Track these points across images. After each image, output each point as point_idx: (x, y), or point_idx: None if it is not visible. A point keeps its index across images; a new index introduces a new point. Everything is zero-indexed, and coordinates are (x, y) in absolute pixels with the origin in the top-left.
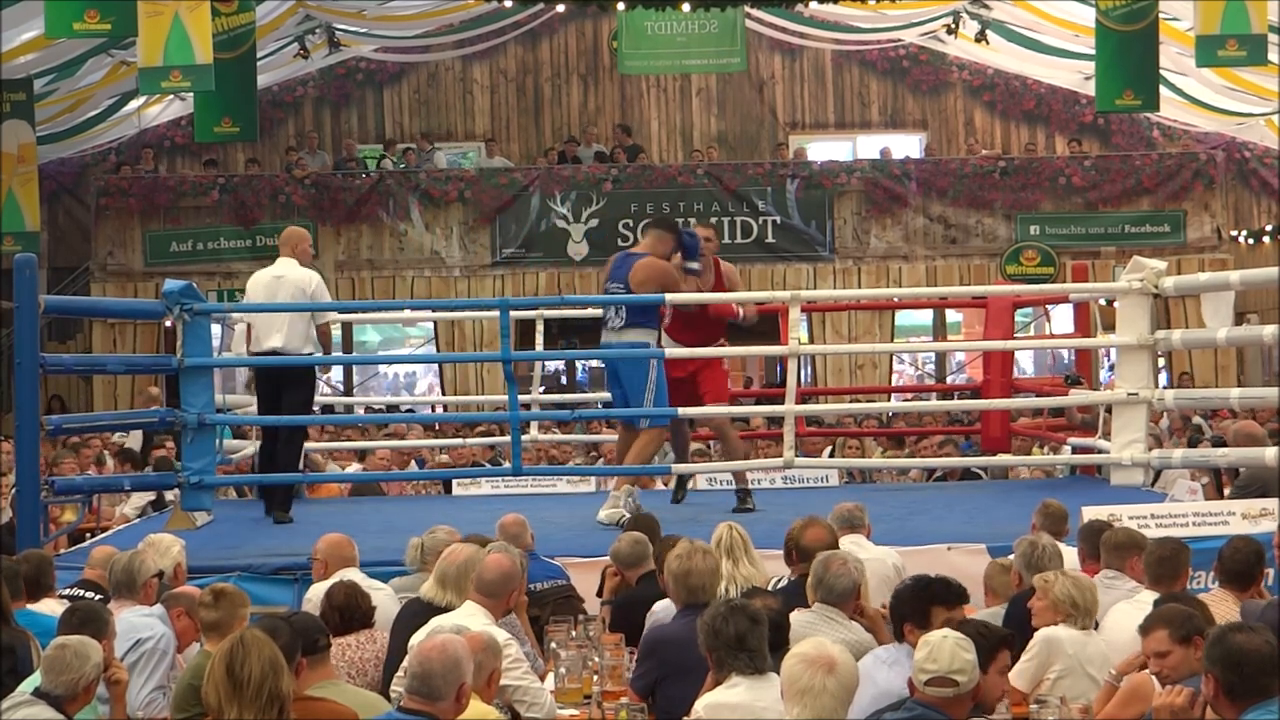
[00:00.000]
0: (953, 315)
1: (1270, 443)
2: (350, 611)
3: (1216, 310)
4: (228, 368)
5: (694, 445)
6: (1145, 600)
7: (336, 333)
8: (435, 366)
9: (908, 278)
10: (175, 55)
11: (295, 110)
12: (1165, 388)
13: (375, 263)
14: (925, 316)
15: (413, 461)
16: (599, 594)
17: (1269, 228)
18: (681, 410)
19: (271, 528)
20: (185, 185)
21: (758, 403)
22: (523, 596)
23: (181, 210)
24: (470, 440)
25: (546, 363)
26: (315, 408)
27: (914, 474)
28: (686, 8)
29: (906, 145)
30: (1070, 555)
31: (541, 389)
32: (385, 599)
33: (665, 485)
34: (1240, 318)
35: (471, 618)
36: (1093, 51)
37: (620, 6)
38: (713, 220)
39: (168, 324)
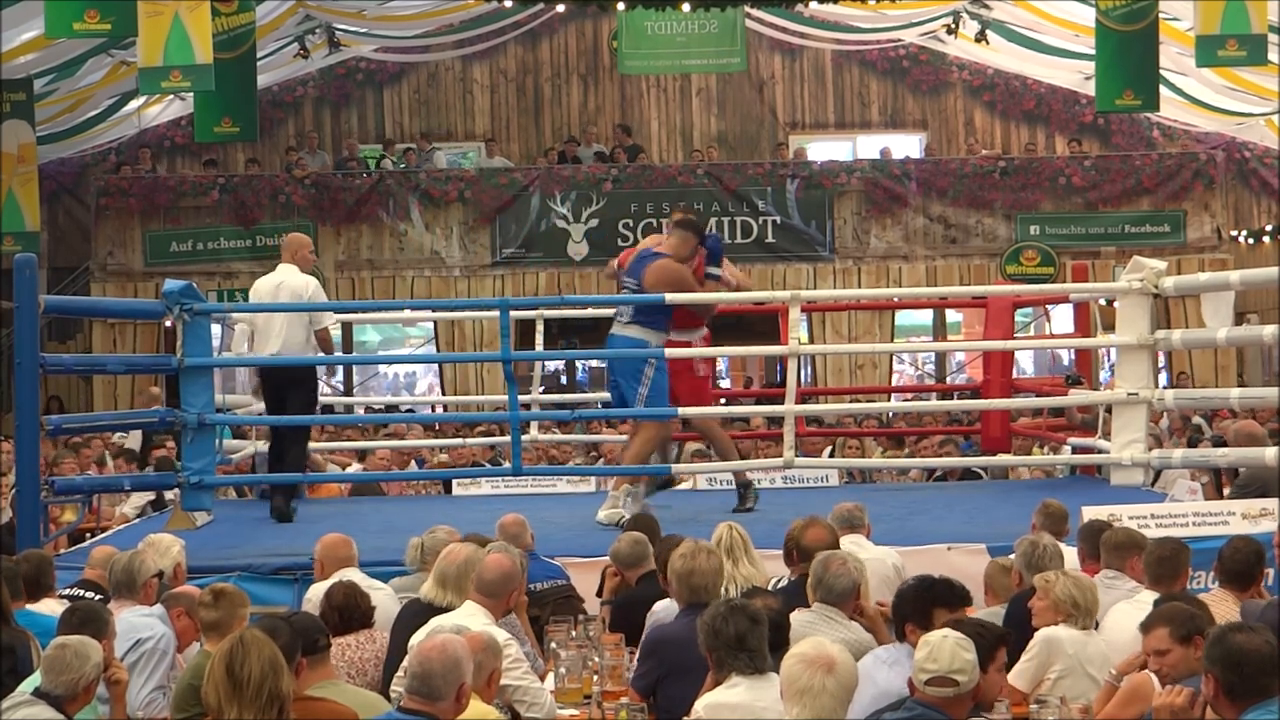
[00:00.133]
0: (953, 315)
1: (1270, 443)
2: (350, 611)
3: (1216, 310)
4: (228, 368)
5: (694, 445)
6: (1145, 600)
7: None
8: (435, 366)
9: (908, 278)
10: (175, 55)
11: (295, 110)
12: (1165, 388)
13: (375, 263)
14: (925, 316)
15: (413, 461)
16: (599, 594)
17: (1269, 228)
18: (681, 410)
19: (272, 527)
20: (185, 185)
21: (758, 403)
22: (523, 596)
23: (181, 210)
24: (470, 440)
25: (546, 363)
26: (316, 409)
27: (914, 474)
28: (686, 8)
29: (906, 145)
30: (1070, 555)
31: (541, 389)
32: (385, 599)
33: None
34: (1240, 318)
35: (471, 618)
36: (1093, 51)
37: (620, 6)
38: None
39: (168, 324)
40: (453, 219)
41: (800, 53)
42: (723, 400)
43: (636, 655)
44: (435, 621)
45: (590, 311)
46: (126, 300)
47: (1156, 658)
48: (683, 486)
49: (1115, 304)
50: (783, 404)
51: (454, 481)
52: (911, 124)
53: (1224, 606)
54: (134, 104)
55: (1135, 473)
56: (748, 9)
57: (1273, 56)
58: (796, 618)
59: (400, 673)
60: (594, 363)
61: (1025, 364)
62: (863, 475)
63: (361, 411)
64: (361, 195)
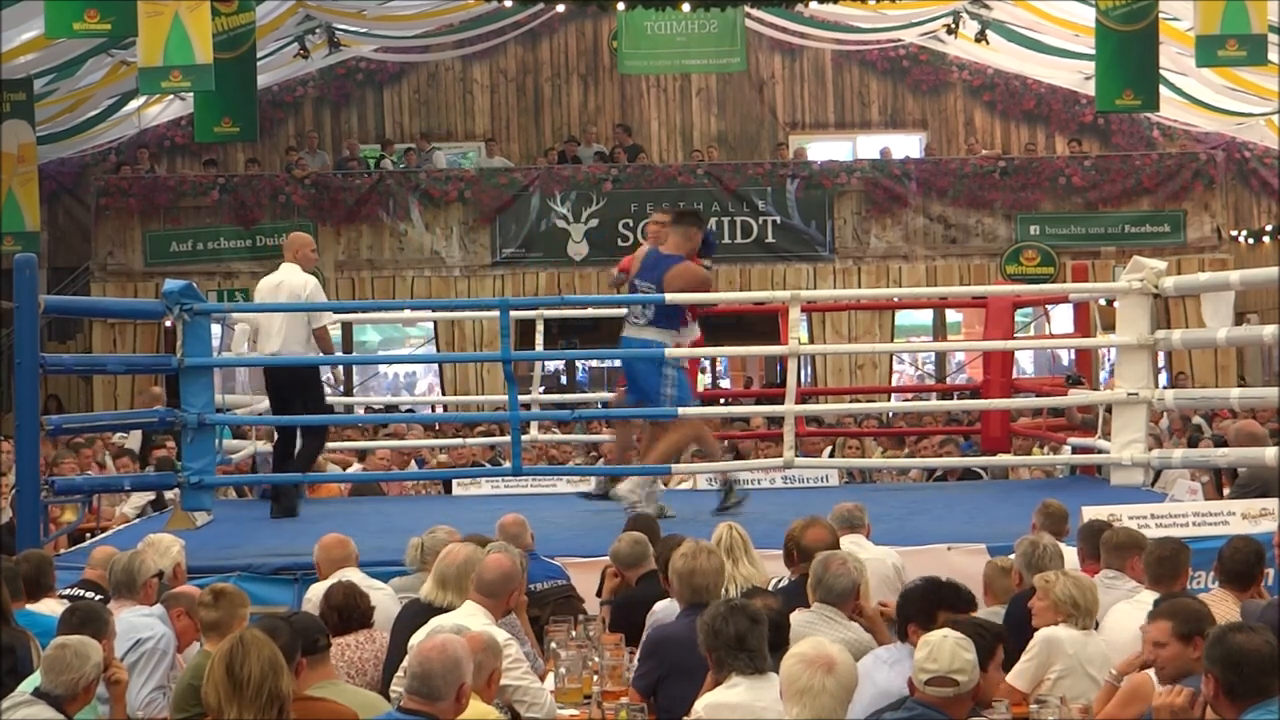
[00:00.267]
0: (953, 315)
1: (1271, 442)
2: (349, 611)
3: (1216, 310)
4: (228, 368)
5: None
6: (1145, 600)
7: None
8: (435, 366)
9: (908, 278)
10: (175, 55)
11: (295, 110)
12: (1165, 388)
13: (375, 263)
14: (925, 316)
15: (413, 461)
16: (599, 594)
17: (1269, 228)
18: (681, 410)
19: (272, 527)
20: (185, 185)
21: (758, 403)
22: (523, 596)
23: (181, 210)
24: (470, 440)
25: (546, 363)
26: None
27: (914, 474)
28: (686, 8)
29: (906, 145)
30: (1070, 555)
31: (541, 389)
32: (385, 599)
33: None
34: (1240, 318)
35: (471, 618)
36: (1093, 51)
37: (620, 6)
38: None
39: (168, 324)
40: (453, 219)
41: (800, 53)
42: (723, 400)
43: (637, 655)
44: (435, 621)
45: (590, 311)
46: (126, 300)
47: (1154, 648)
48: (683, 486)
49: (1115, 304)
50: (783, 404)
51: (454, 481)
52: (911, 124)
53: (1224, 606)
54: (134, 104)
55: (1135, 473)
56: (748, 9)
57: (1273, 56)
58: (796, 618)
59: (400, 673)
60: (594, 363)
61: (1025, 364)
62: (863, 475)
63: (361, 411)
64: (361, 195)
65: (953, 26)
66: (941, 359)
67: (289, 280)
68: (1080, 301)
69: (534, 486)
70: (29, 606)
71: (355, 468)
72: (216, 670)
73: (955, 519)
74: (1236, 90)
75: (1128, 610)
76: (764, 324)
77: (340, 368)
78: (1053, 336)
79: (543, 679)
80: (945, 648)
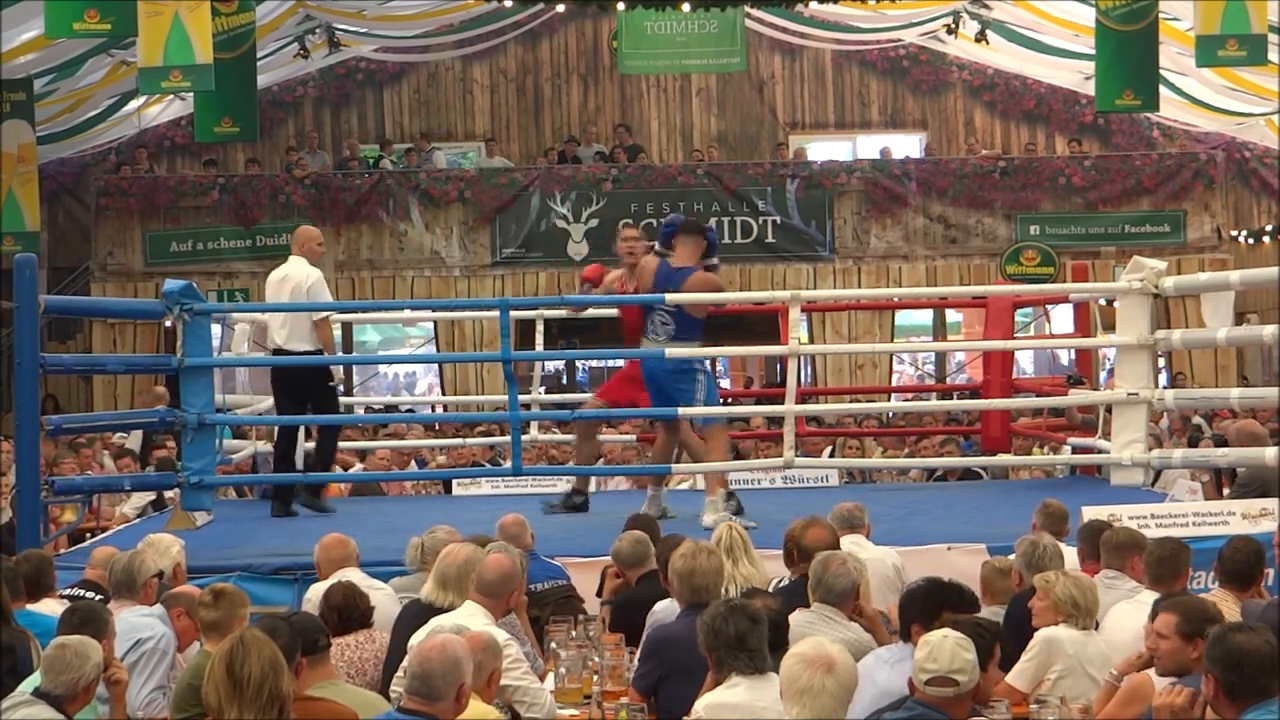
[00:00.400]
0: (953, 315)
1: (1271, 442)
2: (348, 611)
3: (1216, 310)
4: (228, 368)
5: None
6: (1145, 600)
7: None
8: (435, 366)
9: (908, 278)
10: (175, 55)
11: (295, 110)
12: (1165, 388)
13: (375, 263)
14: (925, 316)
15: (413, 461)
16: (599, 594)
17: (1269, 228)
18: (681, 410)
19: (272, 527)
20: (185, 185)
21: (758, 403)
22: (523, 596)
23: (181, 210)
24: (470, 440)
25: (546, 363)
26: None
27: (914, 474)
28: (686, 8)
29: (906, 145)
30: (1070, 555)
31: (542, 389)
32: (385, 599)
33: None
34: (1240, 318)
35: (471, 618)
36: (1093, 51)
37: (620, 6)
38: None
39: (168, 324)
40: (453, 219)
41: (800, 53)
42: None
43: (637, 655)
44: (435, 621)
45: (590, 311)
46: (126, 300)
47: (1156, 638)
48: (682, 486)
49: (1115, 304)
50: (783, 404)
51: (454, 481)
52: (911, 124)
53: (1224, 606)
54: (134, 104)
55: (1135, 473)
56: (748, 9)
57: (1273, 56)
58: (796, 618)
59: (400, 673)
60: (594, 363)
61: (1025, 364)
62: (863, 475)
63: (361, 411)
64: (361, 195)
65: (953, 26)
66: (941, 359)
67: (294, 273)
68: (1080, 301)
69: (534, 486)
70: (29, 606)
71: (356, 468)
72: (217, 670)
73: (955, 519)
74: (1236, 90)
75: (1128, 610)
76: (764, 324)
77: (341, 368)
78: (1053, 336)
79: (543, 679)
80: (945, 648)
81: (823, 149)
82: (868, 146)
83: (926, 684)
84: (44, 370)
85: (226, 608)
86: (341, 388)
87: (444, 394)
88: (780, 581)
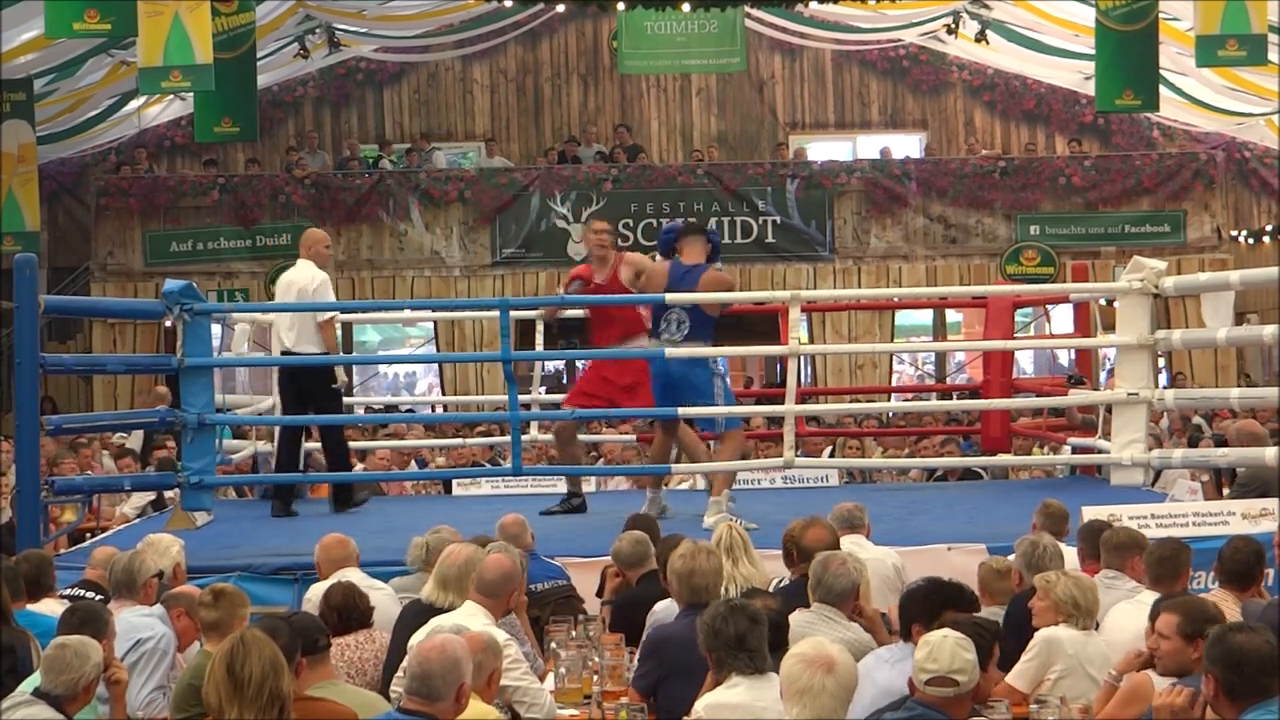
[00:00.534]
0: (953, 315)
1: (1271, 442)
2: (348, 611)
3: (1216, 310)
4: (228, 368)
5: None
6: (1145, 600)
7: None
8: (435, 366)
9: (908, 278)
10: (175, 55)
11: (295, 110)
12: (1165, 388)
13: (375, 263)
14: (925, 316)
15: (413, 461)
16: (599, 594)
17: (1269, 228)
18: (682, 410)
19: (272, 527)
20: (185, 185)
21: (758, 403)
22: (523, 596)
23: (181, 210)
24: (470, 440)
25: (546, 363)
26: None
27: (914, 474)
28: (686, 8)
29: (906, 145)
30: (1070, 555)
31: (542, 389)
32: (385, 599)
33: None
34: (1240, 318)
35: (471, 618)
36: (1093, 51)
37: (620, 6)
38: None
39: (168, 324)
40: (453, 219)
41: (800, 53)
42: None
43: (637, 655)
44: (435, 621)
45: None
46: (126, 300)
47: (1157, 638)
48: (682, 486)
49: (1115, 304)
50: (783, 404)
51: (454, 481)
52: (911, 124)
53: (1224, 606)
54: (134, 104)
55: (1135, 473)
56: (748, 9)
57: (1273, 56)
58: (796, 618)
59: (400, 673)
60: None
61: (1025, 364)
62: (863, 475)
63: (361, 411)
64: (361, 195)
65: (953, 26)
66: (941, 359)
67: (300, 276)
68: (1080, 301)
69: (534, 486)
70: (29, 606)
71: (356, 468)
72: (217, 670)
73: (955, 519)
74: (1236, 90)
75: (1128, 610)
76: (764, 324)
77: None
78: (1053, 336)
79: (543, 679)
80: (945, 648)
81: (823, 149)
82: (868, 146)
83: (926, 684)
84: (44, 370)
85: (226, 608)
86: (344, 389)
87: (444, 394)
88: (780, 581)
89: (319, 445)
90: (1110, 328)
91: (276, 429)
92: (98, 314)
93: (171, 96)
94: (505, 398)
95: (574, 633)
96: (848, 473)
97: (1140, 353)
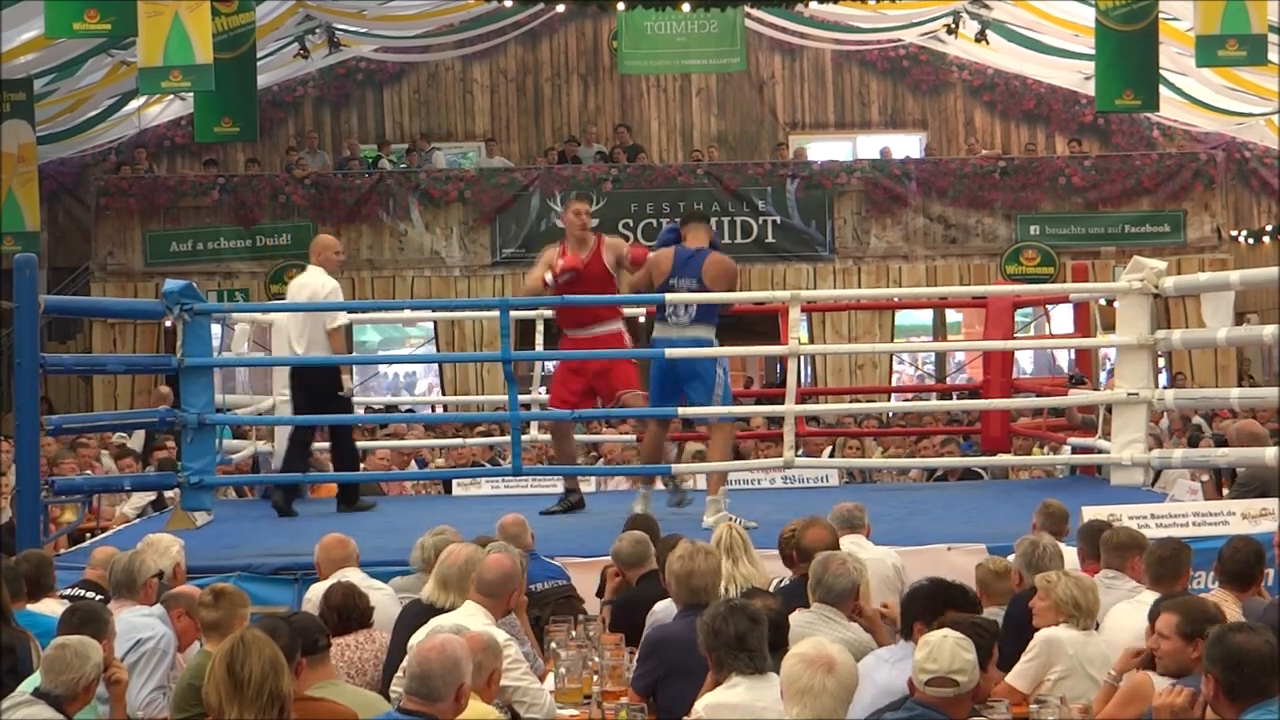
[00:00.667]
0: (953, 315)
1: (1271, 442)
2: (348, 612)
3: (1216, 310)
4: (228, 368)
5: (695, 446)
6: (1146, 600)
7: None
8: (435, 366)
9: (908, 278)
10: (175, 55)
11: (295, 110)
12: (1165, 388)
13: (375, 263)
14: (925, 316)
15: (413, 461)
16: (599, 594)
17: (1269, 228)
18: (682, 410)
19: (272, 527)
20: (185, 185)
21: (758, 403)
22: (523, 596)
23: (181, 210)
24: (470, 440)
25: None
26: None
27: (914, 474)
28: (686, 8)
29: (906, 145)
30: (1070, 555)
31: (542, 389)
32: (385, 599)
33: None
34: (1240, 318)
35: (471, 618)
36: (1093, 51)
37: (620, 6)
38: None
39: (168, 324)
40: (453, 219)
41: (800, 53)
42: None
43: (636, 655)
44: (435, 621)
45: None
46: (126, 300)
47: (1157, 638)
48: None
49: (1115, 304)
50: (783, 404)
51: (454, 481)
52: (911, 124)
53: (1224, 607)
54: (134, 104)
55: (1135, 473)
56: (748, 9)
57: (1273, 56)
58: (796, 618)
59: (400, 673)
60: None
61: (1025, 364)
62: (863, 475)
63: (361, 411)
64: (361, 195)
65: (953, 26)
66: (941, 359)
67: (311, 282)
68: (1080, 301)
69: (534, 486)
70: (29, 606)
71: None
72: (217, 670)
73: (955, 519)
74: (1236, 90)
75: (1128, 610)
76: (764, 324)
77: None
78: (1053, 336)
79: (543, 679)
80: (945, 648)
81: (823, 149)
82: (868, 146)
83: (926, 684)
84: (44, 370)
85: (226, 608)
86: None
87: (444, 394)
88: (780, 581)
89: (322, 445)
90: (1110, 328)
91: (279, 429)
92: (98, 314)
93: (171, 96)
94: (505, 398)
95: (574, 633)
96: (848, 473)
97: (1140, 353)
